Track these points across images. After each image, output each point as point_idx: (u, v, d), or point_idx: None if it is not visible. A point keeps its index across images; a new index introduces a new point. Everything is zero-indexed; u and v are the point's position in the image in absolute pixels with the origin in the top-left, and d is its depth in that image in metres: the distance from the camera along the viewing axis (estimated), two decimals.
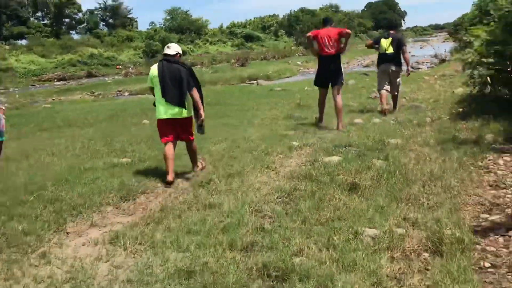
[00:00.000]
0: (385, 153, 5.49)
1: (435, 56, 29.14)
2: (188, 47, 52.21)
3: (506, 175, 4.61)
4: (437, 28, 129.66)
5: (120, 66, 45.03)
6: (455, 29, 55.36)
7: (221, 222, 3.82)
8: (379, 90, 9.09)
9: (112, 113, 11.63)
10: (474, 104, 7.91)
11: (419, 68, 21.46)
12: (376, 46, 8.93)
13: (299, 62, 31.58)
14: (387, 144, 6.06)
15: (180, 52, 5.47)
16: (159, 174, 5.40)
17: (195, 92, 5.27)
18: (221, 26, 70.48)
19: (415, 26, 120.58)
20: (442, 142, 5.95)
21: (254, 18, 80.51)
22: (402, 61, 8.85)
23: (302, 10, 75.19)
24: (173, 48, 5.41)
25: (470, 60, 6.81)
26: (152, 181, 5.17)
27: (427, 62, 25.88)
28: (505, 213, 3.65)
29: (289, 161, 5.73)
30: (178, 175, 5.37)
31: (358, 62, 33.72)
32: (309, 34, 7.93)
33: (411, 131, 6.83)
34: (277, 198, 4.37)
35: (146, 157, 6.29)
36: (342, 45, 7.65)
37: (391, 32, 9.03)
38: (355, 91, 12.65)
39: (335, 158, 5.41)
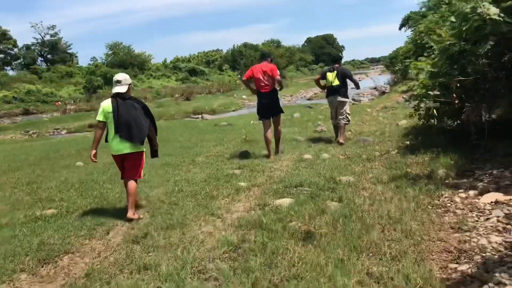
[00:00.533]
0: (339, 194, 5.10)
1: (375, 88, 30.14)
2: None
3: (465, 214, 4.31)
4: (373, 61, 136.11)
5: (60, 103, 43.09)
6: (390, 62, 58.18)
7: None
8: (332, 121, 9.46)
9: (44, 155, 10.64)
10: (421, 137, 7.81)
11: (360, 100, 21.87)
12: (323, 80, 9.24)
13: (244, 96, 31.52)
14: (339, 182, 5.71)
15: (130, 81, 5.24)
16: (87, 227, 4.68)
17: (151, 131, 5.22)
18: (165, 61, 69.88)
19: (353, 60, 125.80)
20: (394, 178, 5.66)
21: (198, 52, 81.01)
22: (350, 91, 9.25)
23: (245, 45, 76.42)
24: (124, 83, 5.10)
25: (416, 92, 6.69)
26: (79, 237, 4.45)
27: (367, 94, 26.60)
28: (474, 261, 3.29)
29: (236, 206, 5.20)
30: (109, 227, 4.69)
31: (301, 95, 34.22)
32: (244, 78, 8.15)
33: (361, 167, 6.54)
34: (223, 253, 3.80)
35: (75, 207, 5.53)
36: (276, 86, 7.92)
37: (336, 65, 9.28)
38: (301, 125, 12.46)
39: (286, 201, 4.95)
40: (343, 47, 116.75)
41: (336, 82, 8.88)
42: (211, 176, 6.60)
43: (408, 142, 7.79)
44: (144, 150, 5.21)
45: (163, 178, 6.73)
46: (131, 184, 5.05)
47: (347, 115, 9.02)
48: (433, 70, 7.02)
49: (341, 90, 8.93)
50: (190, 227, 4.51)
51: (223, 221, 4.67)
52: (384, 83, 28.61)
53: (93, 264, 3.82)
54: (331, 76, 8.95)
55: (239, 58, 68.67)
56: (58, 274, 3.73)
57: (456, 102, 6.15)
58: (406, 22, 28.42)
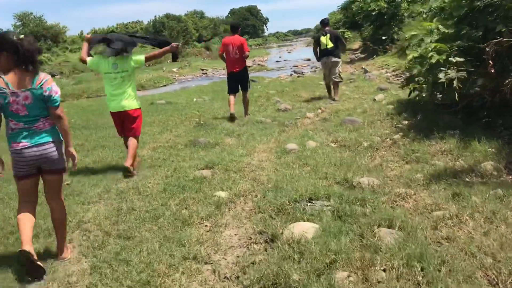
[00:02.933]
0: (375, 209, 3.45)
1: (309, 59, 28.92)
2: (44, 56, 45.78)
3: None
4: (296, 33, 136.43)
5: None
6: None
7: None
8: (325, 81, 9.95)
9: None
10: (420, 115, 6.37)
11: (302, 72, 20.32)
12: (318, 45, 9.49)
13: (174, 69, 28.88)
14: (358, 185, 4.06)
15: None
16: None
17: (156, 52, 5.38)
18: (82, 33, 63.62)
19: (277, 32, 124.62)
20: (432, 177, 4.11)
21: (117, 24, 75.02)
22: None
23: (168, 16, 71.99)
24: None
25: (433, 60, 5.14)
26: None
27: (305, 66, 25.14)
28: None
29: (226, 236, 3.36)
30: None
31: None
32: (219, 53, 8.56)
33: (370, 159, 4.96)
34: None
35: None
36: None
37: (326, 29, 9.45)
38: (255, 102, 10.54)
39: (308, 228, 3.18)
40: (267, 19, 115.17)
41: (330, 44, 9.16)
42: (171, 181, 4.63)
43: (406, 122, 6.32)
44: (140, 107, 5.32)
45: (100, 187, 4.66)
46: (132, 140, 5.20)
47: (340, 74, 9.55)
48: (446, 31, 5.52)
49: (335, 51, 9.27)
50: None
51: (216, 272, 2.83)
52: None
53: None
54: (324, 39, 9.21)
55: (161, 30, 64.55)
56: None
57: (492, 71, 4.69)
58: None
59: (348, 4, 36.36)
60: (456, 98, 5.16)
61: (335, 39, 9.18)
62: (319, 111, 8.38)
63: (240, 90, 8.21)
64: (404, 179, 4.18)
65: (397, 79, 12.15)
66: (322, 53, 9.37)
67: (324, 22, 9.57)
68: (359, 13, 20.85)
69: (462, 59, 5.01)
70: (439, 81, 5.09)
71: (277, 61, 34.49)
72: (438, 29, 5.51)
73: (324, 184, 4.09)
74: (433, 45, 5.33)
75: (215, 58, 42.25)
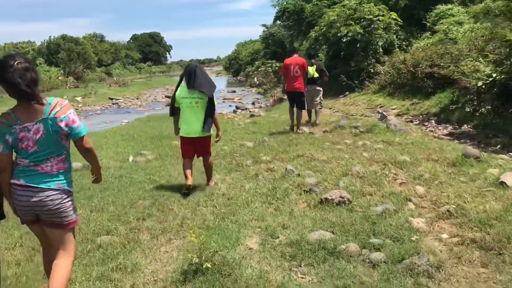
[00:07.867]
0: None
1: (235, 91, 25.18)
2: None
3: None
4: (199, 63, 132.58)
5: None
6: (230, 64, 54.21)
7: None
8: (306, 108, 9.89)
9: None
10: None
11: (246, 109, 15.75)
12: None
13: (78, 98, 22.80)
14: None
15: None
16: None
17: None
18: None
19: (181, 60, 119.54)
20: None
21: (5, 43, 64.62)
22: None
23: (64, 37, 63.73)
24: None
25: None
26: None
27: (238, 99, 20.89)
28: None
29: None
30: None
31: (149, 98, 26.42)
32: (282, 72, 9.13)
33: None
34: None
35: None
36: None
37: (313, 60, 10.21)
38: (243, 173, 5.99)
39: None
40: (170, 46, 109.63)
41: (316, 74, 9.80)
42: None
43: None
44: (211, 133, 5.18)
45: None
46: (207, 160, 5.22)
47: (321, 101, 10.19)
48: None
49: (318, 80, 9.91)
50: None
51: None
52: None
53: None
54: (311, 69, 9.69)
55: (56, 52, 56.18)
56: None
57: None
58: (282, 14, 23.90)
59: (269, 35, 33.54)
60: None
61: (320, 70, 9.89)
62: (412, 205, 4.14)
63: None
64: None
65: (427, 130, 8.53)
66: (309, 82, 9.59)
67: (310, 56, 11.05)
68: (318, 39, 17.14)
69: None
70: None
71: None
72: None
73: None
74: None
75: (124, 85, 35.68)
